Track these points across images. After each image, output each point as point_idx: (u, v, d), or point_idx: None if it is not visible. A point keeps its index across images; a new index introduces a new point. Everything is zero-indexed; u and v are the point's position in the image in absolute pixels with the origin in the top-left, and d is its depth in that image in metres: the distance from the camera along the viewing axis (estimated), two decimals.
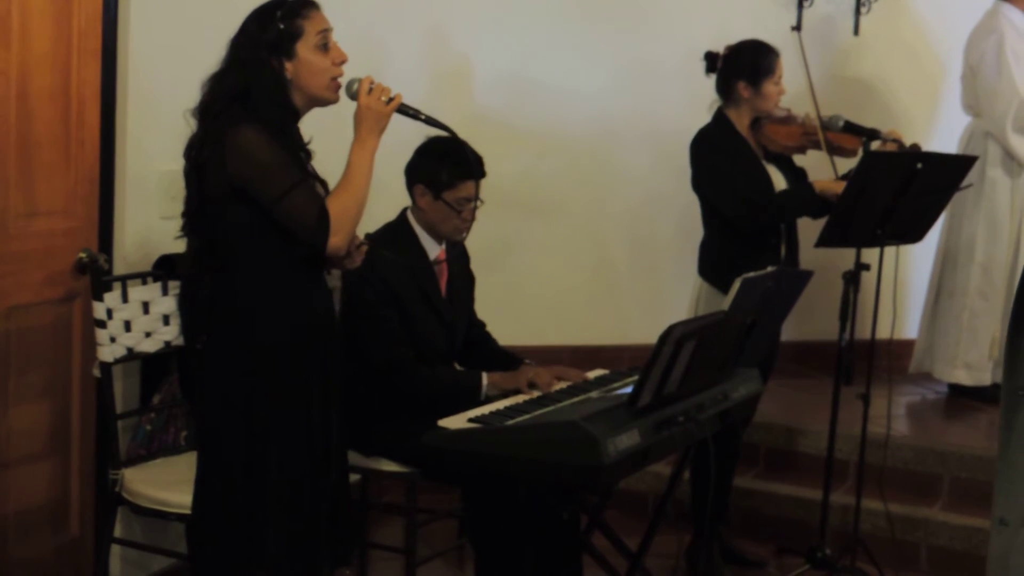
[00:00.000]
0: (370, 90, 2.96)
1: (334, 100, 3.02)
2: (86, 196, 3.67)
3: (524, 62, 5.29)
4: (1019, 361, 1.22)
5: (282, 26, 2.95)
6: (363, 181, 2.95)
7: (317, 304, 3.06)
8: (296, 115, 3.01)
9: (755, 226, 4.19)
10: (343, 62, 3.01)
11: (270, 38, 2.95)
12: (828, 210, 4.15)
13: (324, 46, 2.98)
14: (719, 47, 4.35)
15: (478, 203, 3.66)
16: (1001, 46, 5.12)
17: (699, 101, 4.46)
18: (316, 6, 3.02)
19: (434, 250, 3.72)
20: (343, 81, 3.01)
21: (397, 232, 3.70)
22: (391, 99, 2.98)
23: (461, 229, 3.67)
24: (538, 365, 3.74)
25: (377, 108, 2.95)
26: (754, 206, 4.16)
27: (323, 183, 3.03)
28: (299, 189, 2.88)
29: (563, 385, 3.58)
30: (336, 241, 2.90)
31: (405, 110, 3.03)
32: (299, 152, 3.01)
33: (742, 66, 4.25)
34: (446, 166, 3.61)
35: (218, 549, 3.02)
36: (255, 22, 2.98)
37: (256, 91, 2.93)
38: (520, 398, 3.45)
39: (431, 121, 3.07)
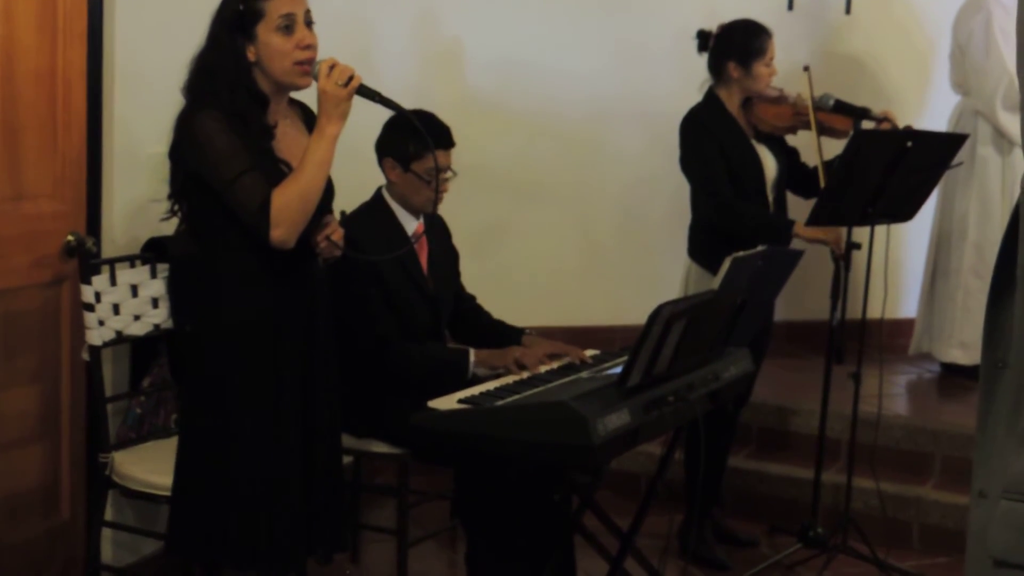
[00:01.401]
0: (329, 72, 2.86)
1: (303, 84, 2.95)
2: (73, 179, 3.66)
3: (515, 44, 5.27)
4: (998, 333, 1.22)
5: (241, 7, 2.90)
6: (313, 173, 2.86)
7: (294, 291, 3.03)
8: (263, 99, 2.96)
9: (712, 221, 4.18)
10: (308, 46, 2.92)
11: (233, 20, 2.91)
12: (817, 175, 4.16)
13: (287, 28, 2.91)
14: (710, 26, 4.33)
15: (450, 174, 3.64)
16: (989, 24, 5.11)
17: (690, 81, 4.45)
18: None
19: (411, 225, 3.71)
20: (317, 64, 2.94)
21: (373, 210, 3.70)
22: (350, 80, 2.86)
23: (433, 200, 3.66)
24: (538, 336, 3.75)
25: (334, 92, 2.84)
26: (720, 207, 4.15)
27: (288, 165, 2.97)
28: (247, 177, 2.84)
29: (553, 365, 3.58)
30: (278, 234, 2.85)
31: (364, 92, 2.91)
32: (262, 138, 2.94)
33: (733, 46, 4.23)
34: (413, 137, 3.60)
35: (189, 531, 3.03)
36: (223, 3, 2.95)
37: (217, 75, 2.89)
38: (510, 378, 3.44)
39: (387, 102, 2.95)
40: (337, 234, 3.06)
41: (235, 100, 2.89)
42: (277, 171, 2.92)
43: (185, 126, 2.89)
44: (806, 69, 4.23)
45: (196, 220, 2.99)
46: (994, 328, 1.22)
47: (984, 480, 1.20)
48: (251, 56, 2.92)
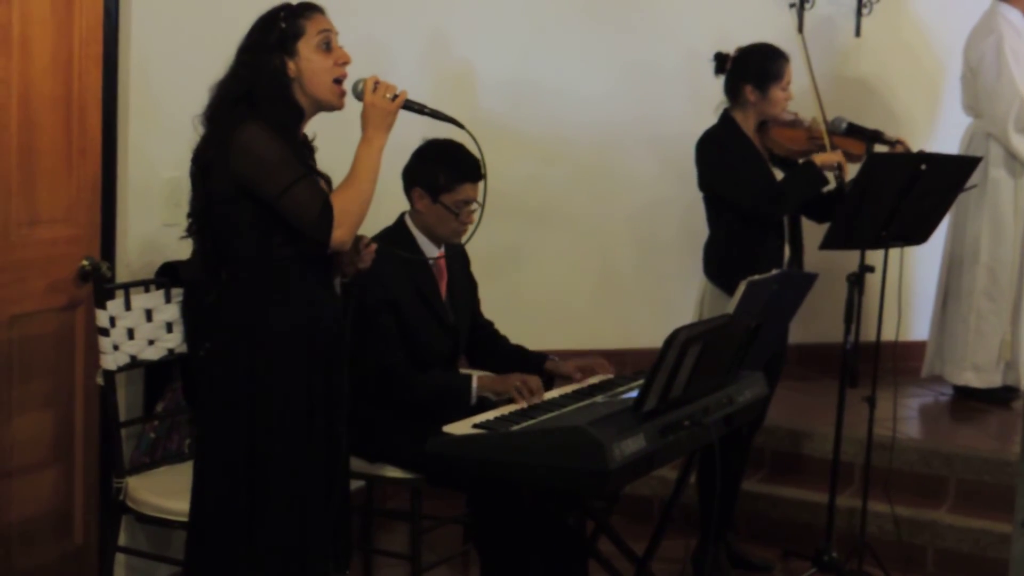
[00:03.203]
0: (375, 88, 2.97)
1: (338, 105, 3.02)
2: (88, 204, 3.67)
3: (527, 66, 5.29)
4: None
5: (284, 25, 2.98)
6: (368, 177, 2.95)
7: (323, 311, 3.05)
8: (300, 115, 3.01)
9: (771, 217, 4.18)
10: (346, 63, 3.02)
11: (273, 38, 2.97)
12: (832, 199, 4.16)
13: (326, 45, 2.99)
14: (720, 48, 4.33)
15: (476, 205, 3.65)
16: (1000, 46, 5.11)
17: (702, 104, 4.45)
18: (319, 9, 3.04)
19: (432, 253, 3.72)
20: (348, 84, 3.01)
21: (395, 236, 3.70)
22: (396, 96, 2.98)
23: (459, 232, 3.67)
24: (561, 361, 3.76)
25: (382, 105, 2.95)
26: (768, 198, 4.15)
27: (327, 179, 3.03)
28: (302, 183, 2.89)
29: (568, 390, 3.57)
30: (340, 235, 2.90)
31: (411, 106, 3.02)
32: (302, 149, 3.02)
33: (750, 70, 4.23)
34: (444, 169, 3.61)
35: (215, 556, 3.02)
36: (259, 25, 3.01)
37: (259, 89, 2.95)
38: (524, 403, 3.42)
39: (437, 115, 3.06)
40: (372, 243, 3.13)
41: (277, 112, 2.94)
42: (318, 183, 2.98)
43: (228, 139, 2.89)
44: (799, 31, 4.23)
45: (231, 238, 2.97)
46: None
47: None
48: (291, 72, 2.97)
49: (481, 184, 3.65)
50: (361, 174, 2.94)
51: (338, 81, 3.01)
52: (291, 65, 2.97)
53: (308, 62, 2.97)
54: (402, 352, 3.60)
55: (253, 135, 2.88)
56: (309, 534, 3.03)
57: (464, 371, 3.80)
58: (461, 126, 3.06)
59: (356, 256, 3.07)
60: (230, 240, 2.96)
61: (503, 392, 3.53)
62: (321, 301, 3.04)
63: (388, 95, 2.97)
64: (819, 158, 4.19)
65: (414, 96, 3.05)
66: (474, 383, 3.56)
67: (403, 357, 3.60)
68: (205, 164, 2.94)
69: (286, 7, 3.02)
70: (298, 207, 2.88)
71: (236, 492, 2.98)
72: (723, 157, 4.21)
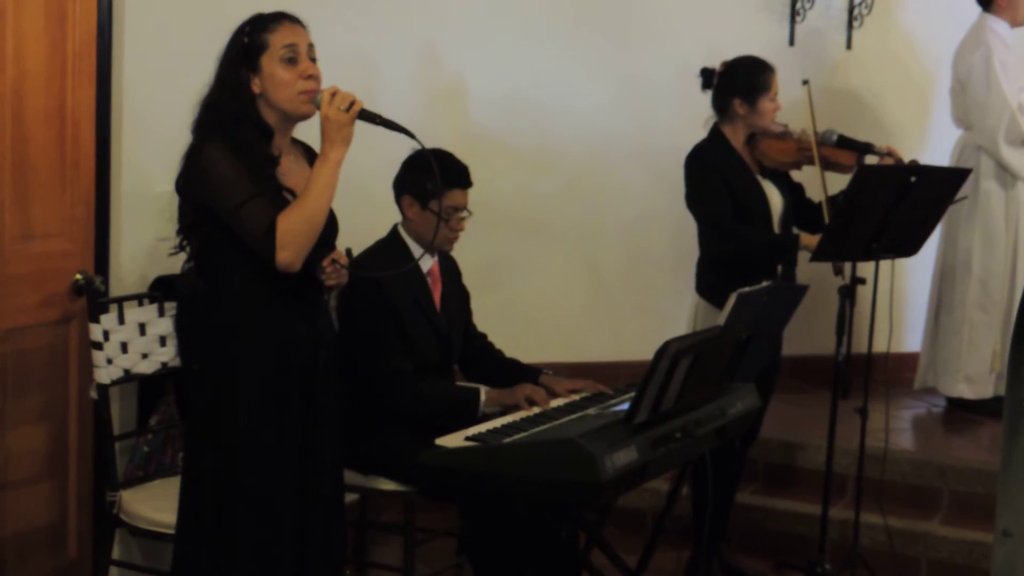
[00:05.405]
0: (331, 99, 2.91)
1: (308, 113, 2.99)
2: (82, 218, 3.68)
3: (518, 80, 5.30)
4: (1022, 373, 1.22)
5: (247, 40, 2.97)
6: (318, 197, 2.90)
7: (301, 324, 3.06)
8: (267, 131, 3.00)
9: (723, 256, 4.19)
10: (311, 76, 2.97)
11: (236, 53, 2.97)
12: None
13: (290, 59, 2.96)
14: (712, 62, 4.35)
15: (466, 213, 3.66)
16: (989, 59, 5.13)
17: (693, 117, 4.46)
18: (289, 19, 3.01)
19: (427, 262, 3.73)
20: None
21: (390, 247, 3.71)
22: (351, 106, 2.92)
23: (451, 239, 3.68)
24: (556, 377, 3.77)
25: (336, 117, 2.90)
26: (723, 233, 4.16)
27: (294, 193, 3.00)
28: (253, 203, 2.88)
29: (573, 398, 3.58)
30: (284, 256, 2.88)
31: (365, 116, 2.95)
32: (266, 166, 2.98)
33: (738, 83, 4.25)
34: (431, 176, 3.62)
35: (194, 569, 3.03)
36: (230, 40, 3.01)
37: (222, 107, 2.95)
38: (519, 415, 3.44)
39: (390, 124, 2.97)
40: (343, 258, 3.10)
41: (240, 131, 2.94)
42: (281, 198, 2.96)
43: (191, 159, 2.93)
44: (805, 83, 4.24)
45: (205, 255, 3.01)
46: (1018, 367, 1.22)
47: (1009, 519, 1.19)
48: (255, 88, 2.98)
49: (479, 201, 3.67)
50: (311, 193, 2.90)
51: (303, 92, 2.96)
52: (255, 81, 2.96)
53: (271, 78, 2.95)
54: (407, 360, 3.61)
55: (209, 156, 2.89)
56: (283, 555, 3.03)
57: (464, 384, 3.81)
58: (413, 136, 2.98)
59: (321, 274, 3.05)
60: (208, 258, 2.99)
61: (511, 404, 3.54)
62: (295, 319, 3.04)
63: (342, 106, 2.90)
64: (807, 239, 4.18)
65: (404, 112, 3.03)
66: (482, 396, 3.58)
67: (409, 365, 3.61)
68: (180, 182, 2.96)
69: (253, 20, 2.99)
70: (246, 227, 2.88)
71: (209, 505, 3.00)
72: (703, 179, 4.22)
